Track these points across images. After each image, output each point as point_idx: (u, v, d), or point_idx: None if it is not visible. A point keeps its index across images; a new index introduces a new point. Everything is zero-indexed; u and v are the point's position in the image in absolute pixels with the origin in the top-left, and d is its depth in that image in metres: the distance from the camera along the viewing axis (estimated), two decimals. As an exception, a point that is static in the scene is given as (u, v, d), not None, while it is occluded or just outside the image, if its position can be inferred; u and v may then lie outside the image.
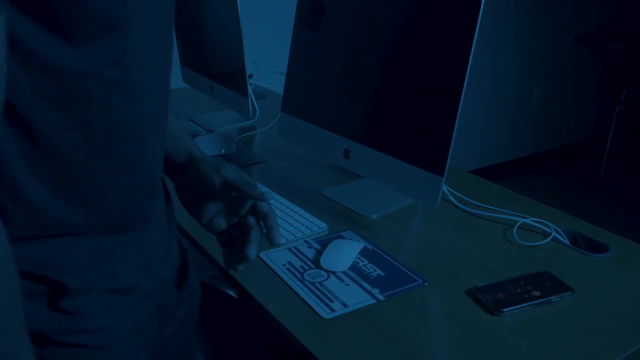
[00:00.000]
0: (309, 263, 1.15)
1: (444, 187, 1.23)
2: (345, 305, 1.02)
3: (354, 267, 1.14)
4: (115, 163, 0.74)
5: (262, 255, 1.18)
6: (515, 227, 1.27)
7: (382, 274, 1.12)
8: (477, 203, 1.36)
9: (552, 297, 1.03)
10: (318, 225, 1.27)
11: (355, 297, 1.05)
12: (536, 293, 1.03)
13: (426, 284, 1.09)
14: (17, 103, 0.64)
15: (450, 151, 1.15)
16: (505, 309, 1.00)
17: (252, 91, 1.76)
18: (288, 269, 1.13)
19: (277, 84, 2.21)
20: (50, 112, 0.66)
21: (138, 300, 0.82)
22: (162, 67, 0.78)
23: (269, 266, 1.15)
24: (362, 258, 1.17)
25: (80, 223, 0.73)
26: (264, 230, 0.89)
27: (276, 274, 1.12)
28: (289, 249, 1.20)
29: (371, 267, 1.14)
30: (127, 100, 0.72)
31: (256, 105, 1.89)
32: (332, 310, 1.01)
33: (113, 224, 0.77)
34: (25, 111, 0.65)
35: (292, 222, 1.28)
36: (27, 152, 0.66)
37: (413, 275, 1.11)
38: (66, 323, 0.75)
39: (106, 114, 0.70)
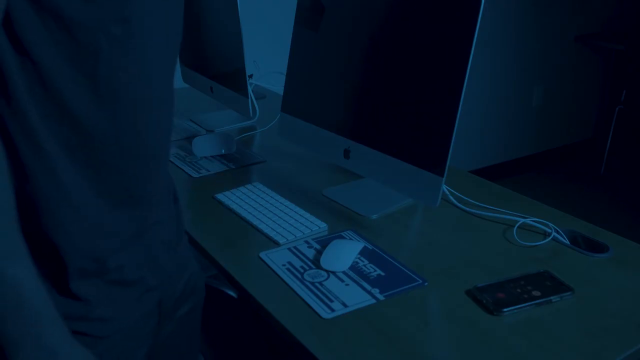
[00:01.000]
0: (309, 263, 1.15)
1: (444, 187, 1.23)
2: (345, 305, 1.02)
3: (354, 267, 1.14)
4: (120, 125, 0.75)
5: (262, 255, 1.18)
6: (515, 227, 1.27)
7: (382, 274, 1.12)
8: (477, 203, 1.36)
9: (552, 297, 1.03)
10: (318, 225, 1.27)
11: (355, 297, 1.05)
12: (536, 293, 1.03)
13: (426, 284, 1.09)
14: (32, 50, 0.66)
15: (450, 151, 1.14)
16: (505, 309, 1.00)
17: (252, 91, 1.76)
18: (288, 269, 1.13)
19: (277, 84, 2.21)
20: (62, 63, 0.68)
21: (140, 294, 0.83)
22: (166, 33, 0.79)
23: (269, 266, 1.15)
24: (362, 258, 1.17)
25: (86, 189, 0.74)
26: None
27: (276, 274, 1.12)
28: (289, 249, 1.20)
29: (371, 267, 1.14)
30: (133, 61, 0.74)
31: (256, 105, 1.89)
32: (332, 310, 1.01)
33: (118, 196, 0.78)
34: (40, 59, 0.67)
35: (292, 222, 1.28)
36: (40, 101, 0.68)
37: (413, 275, 1.11)
38: (70, 309, 0.75)
39: (113, 71, 0.72)
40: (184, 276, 0.94)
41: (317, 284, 1.09)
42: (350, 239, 1.23)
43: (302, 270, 1.13)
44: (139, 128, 0.78)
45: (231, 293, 1.17)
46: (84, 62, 0.70)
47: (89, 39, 0.69)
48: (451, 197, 1.37)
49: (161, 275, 0.86)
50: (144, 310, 0.84)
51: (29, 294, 0.66)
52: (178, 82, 2.20)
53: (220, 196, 1.41)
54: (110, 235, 0.78)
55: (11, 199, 0.66)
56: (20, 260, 0.66)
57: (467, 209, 1.35)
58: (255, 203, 1.37)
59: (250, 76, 1.83)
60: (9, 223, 0.66)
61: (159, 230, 0.86)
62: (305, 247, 1.21)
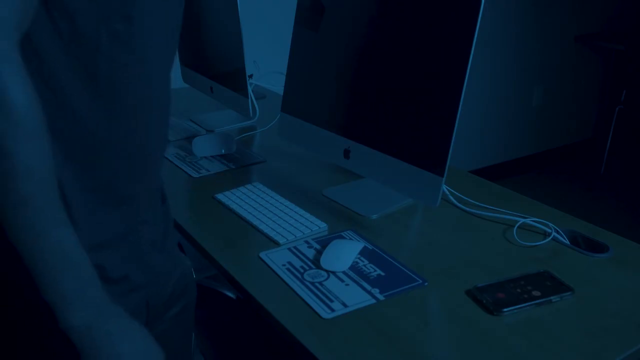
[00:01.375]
0: (309, 263, 1.15)
1: (444, 187, 1.23)
2: (345, 305, 1.02)
3: (354, 267, 1.14)
4: (119, 125, 0.76)
5: (262, 255, 1.18)
6: (515, 227, 1.27)
7: (382, 274, 1.12)
8: (477, 203, 1.36)
9: (552, 297, 1.03)
10: (318, 225, 1.27)
11: (355, 297, 1.05)
12: (536, 293, 1.03)
13: (426, 284, 1.09)
14: (37, 41, 0.69)
15: (450, 151, 1.14)
16: (505, 309, 1.00)
17: (252, 91, 1.76)
18: (288, 269, 1.13)
19: (277, 84, 2.20)
20: (64, 55, 0.70)
21: (125, 292, 0.83)
22: (166, 33, 0.81)
23: (269, 266, 1.15)
24: (362, 258, 1.17)
25: (74, 184, 0.75)
26: None
27: (276, 274, 1.12)
28: (289, 249, 1.20)
29: (371, 267, 1.14)
30: (134, 60, 0.75)
31: (256, 105, 1.89)
32: (332, 310, 1.01)
33: (106, 194, 0.78)
34: (43, 50, 0.69)
35: (292, 222, 1.28)
36: (39, 89, 0.70)
37: (413, 275, 1.11)
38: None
39: (114, 70, 0.73)
40: (174, 276, 0.94)
41: (317, 284, 1.09)
42: (350, 239, 1.23)
43: (302, 270, 1.13)
44: (137, 128, 0.78)
45: (230, 294, 1.17)
46: (86, 57, 0.71)
47: (91, 33, 0.70)
48: (451, 197, 1.37)
49: (148, 275, 0.86)
50: (128, 309, 0.84)
51: (73, 253, 0.69)
52: (178, 82, 2.20)
53: (220, 196, 1.41)
54: (95, 232, 0.78)
55: (53, 169, 0.68)
56: (63, 225, 0.69)
57: (467, 209, 1.35)
58: (255, 203, 1.37)
59: (250, 76, 1.83)
60: (52, 191, 0.67)
61: (146, 229, 0.86)
62: (305, 247, 1.21)
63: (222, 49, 1.79)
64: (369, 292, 1.06)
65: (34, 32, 0.67)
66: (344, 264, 1.13)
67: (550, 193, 3.57)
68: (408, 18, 1.21)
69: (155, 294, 0.89)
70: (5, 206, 0.64)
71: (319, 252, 1.18)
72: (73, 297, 0.69)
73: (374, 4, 1.29)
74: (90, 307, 0.70)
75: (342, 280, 1.10)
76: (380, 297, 1.05)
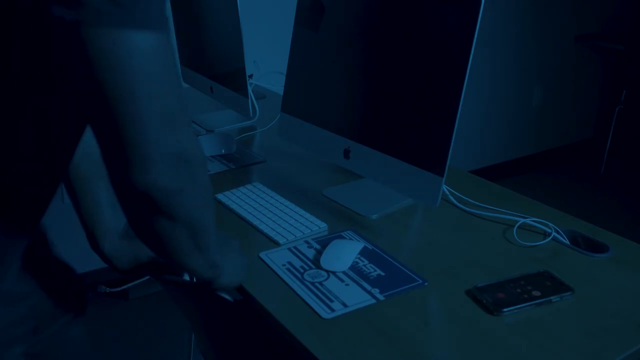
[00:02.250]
0: (309, 263, 1.15)
1: (444, 187, 1.23)
2: (345, 305, 1.02)
3: (354, 267, 1.14)
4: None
5: (262, 255, 1.18)
6: (515, 227, 1.27)
7: (382, 274, 1.12)
8: (477, 203, 1.36)
9: (552, 297, 1.03)
10: (318, 225, 1.27)
11: (355, 297, 1.05)
12: (536, 293, 1.03)
13: (426, 284, 1.09)
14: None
15: (450, 151, 1.15)
16: (505, 309, 1.00)
17: (252, 91, 1.76)
18: (288, 269, 1.13)
19: (277, 84, 2.20)
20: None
21: (9, 302, 0.86)
22: None
23: (269, 266, 1.15)
24: (362, 258, 1.17)
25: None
26: None
27: (276, 274, 1.12)
28: (289, 249, 1.20)
29: (371, 267, 1.14)
30: None
31: (256, 105, 1.89)
32: (332, 310, 1.01)
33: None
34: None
35: (292, 222, 1.28)
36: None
37: (413, 275, 1.11)
38: None
39: None
40: (62, 285, 0.96)
41: (317, 284, 1.09)
42: (350, 239, 1.23)
43: (302, 270, 1.13)
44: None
45: (227, 297, 1.17)
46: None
47: None
48: (451, 197, 1.37)
49: (31, 283, 0.89)
50: (13, 318, 0.87)
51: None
52: (178, 82, 2.20)
53: (220, 196, 1.41)
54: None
55: None
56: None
57: (467, 209, 1.35)
58: (255, 203, 1.37)
59: (250, 76, 1.83)
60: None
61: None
62: (305, 247, 1.21)
63: (222, 49, 1.79)
64: (369, 292, 1.06)
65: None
66: (344, 264, 1.13)
67: (550, 193, 3.57)
68: (408, 18, 1.21)
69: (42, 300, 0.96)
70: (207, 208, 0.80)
71: (319, 252, 1.18)
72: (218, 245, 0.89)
73: (374, 4, 1.29)
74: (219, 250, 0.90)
75: (342, 280, 1.10)
76: (380, 297, 1.05)
